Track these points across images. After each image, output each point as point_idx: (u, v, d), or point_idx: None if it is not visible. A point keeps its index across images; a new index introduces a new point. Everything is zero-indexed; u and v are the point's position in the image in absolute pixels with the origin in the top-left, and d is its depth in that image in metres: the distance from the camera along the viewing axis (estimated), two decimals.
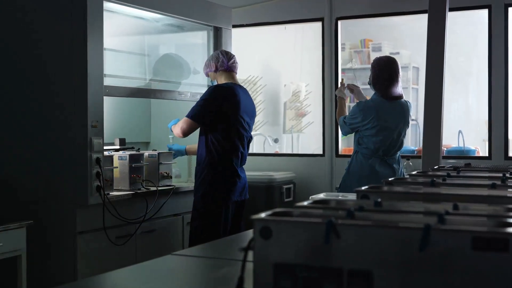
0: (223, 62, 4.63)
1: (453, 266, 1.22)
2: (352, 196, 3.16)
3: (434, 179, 2.16)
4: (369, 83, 4.91)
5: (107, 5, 4.28)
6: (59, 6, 4.16)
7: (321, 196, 3.29)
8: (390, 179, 2.23)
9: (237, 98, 4.49)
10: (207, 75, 4.78)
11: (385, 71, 4.76)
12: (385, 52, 7.33)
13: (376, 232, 1.30)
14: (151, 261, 2.14)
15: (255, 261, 1.37)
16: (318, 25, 6.49)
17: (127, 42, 5.07)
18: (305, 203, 1.62)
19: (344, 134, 5.36)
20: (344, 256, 1.31)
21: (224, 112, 4.44)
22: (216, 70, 4.64)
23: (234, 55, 4.78)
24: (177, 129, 4.58)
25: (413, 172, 2.61)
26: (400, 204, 1.65)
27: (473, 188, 2.03)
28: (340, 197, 3.22)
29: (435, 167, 2.93)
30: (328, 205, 1.65)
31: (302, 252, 1.35)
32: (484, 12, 5.73)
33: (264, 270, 1.37)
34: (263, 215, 1.41)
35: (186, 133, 4.53)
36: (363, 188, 1.95)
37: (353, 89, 5.22)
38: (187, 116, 4.49)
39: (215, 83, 4.65)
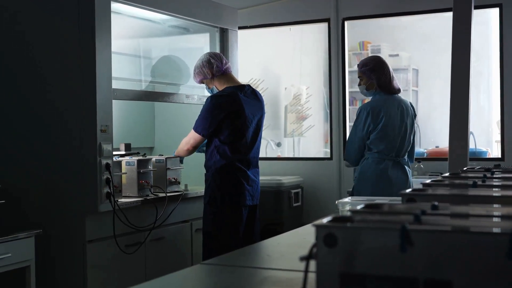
0: (218, 66, 4.46)
1: None
2: (379, 201, 3.05)
3: (475, 180, 2.06)
4: (366, 89, 4.68)
5: (112, 6, 4.15)
6: (66, 7, 4.04)
7: (347, 200, 3.17)
8: (427, 181, 2.13)
9: (239, 103, 4.35)
10: (201, 82, 4.59)
11: (384, 68, 4.67)
12: (384, 54, 7.20)
13: (456, 238, 1.19)
14: (181, 272, 2.04)
15: (318, 271, 1.27)
16: (318, 27, 6.39)
17: (131, 45, 4.95)
18: (358, 207, 1.52)
19: (353, 156, 4.67)
20: (419, 265, 1.21)
21: (228, 119, 4.31)
22: (213, 76, 4.49)
23: (222, 55, 4.65)
24: (185, 146, 4.49)
25: (445, 174, 2.52)
26: (458, 207, 1.55)
27: None
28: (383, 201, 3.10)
29: (464, 169, 2.84)
30: (381, 209, 1.55)
31: (372, 261, 1.24)
32: (495, 11, 5.65)
33: (328, 281, 1.27)
34: (325, 221, 1.30)
35: (196, 147, 4.53)
36: (407, 191, 1.85)
37: None
38: (194, 130, 4.39)
39: (214, 90, 4.50)
